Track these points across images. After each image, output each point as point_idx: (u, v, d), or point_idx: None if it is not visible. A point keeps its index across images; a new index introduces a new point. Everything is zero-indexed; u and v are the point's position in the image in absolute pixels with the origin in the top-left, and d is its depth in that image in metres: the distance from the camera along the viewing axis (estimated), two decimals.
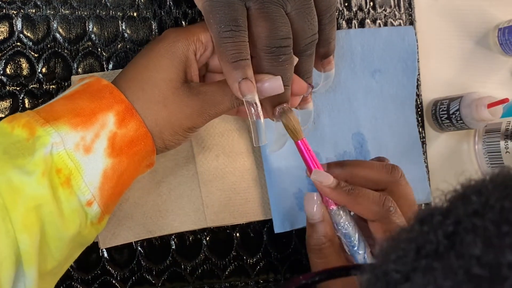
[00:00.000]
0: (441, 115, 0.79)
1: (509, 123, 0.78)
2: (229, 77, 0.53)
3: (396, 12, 0.77)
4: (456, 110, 0.77)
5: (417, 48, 0.77)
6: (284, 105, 0.57)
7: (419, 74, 0.78)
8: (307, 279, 0.62)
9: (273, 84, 0.54)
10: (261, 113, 0.53)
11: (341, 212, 0.59)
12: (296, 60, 0.56)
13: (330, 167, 0.61)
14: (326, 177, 0.58)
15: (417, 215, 0.31)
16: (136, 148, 0.53)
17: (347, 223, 0.58)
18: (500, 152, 0.79)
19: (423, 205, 0.76)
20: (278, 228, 0.68)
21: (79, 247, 0.54)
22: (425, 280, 0.27)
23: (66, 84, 0.61)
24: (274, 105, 0.57)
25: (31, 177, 0.47)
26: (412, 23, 0.78)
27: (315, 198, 0.59)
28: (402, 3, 0.77)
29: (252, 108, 0.53)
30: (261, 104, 0.55)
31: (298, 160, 0.60)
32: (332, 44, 0.59)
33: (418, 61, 0.77)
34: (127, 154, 0.52)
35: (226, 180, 0.67)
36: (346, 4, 0.75)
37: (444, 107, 0.78)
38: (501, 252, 0.25)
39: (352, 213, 0.60)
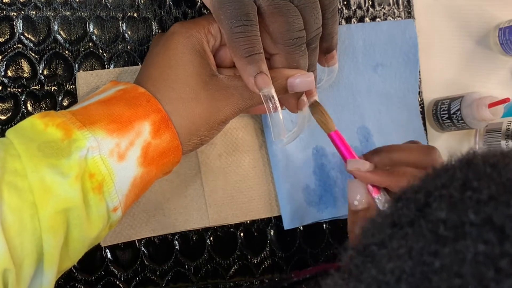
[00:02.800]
0: (442, 115, 0.79)
1: (510, 123, 0.79)
2: (243, 72, 0.52)
3: (395, 10, 0.77)
4: (457, 110, 0.77)
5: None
6: (304, 99, 0.57)
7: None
8: (299, 277, 0.61)
9: (304, 80, 0.54)
10: (279, 106, 0.52)
11: (385, 200, 0.57)
12: None
13: (366, 156, 0.60)
14: (362, 163, 0.57)
15: (394, 196, 0.33)
16: (166, 159, 0.53)
17: None
18: None
19: None
20: (287, 225, 0.68)
21: (89, 248, 0.54)
22: (399, 244, 0.29)
23: (67, 85, 0.61)
24: (298, 96, 0.57)
25: (64, 179, 0.47)
26: None
27: (359, 184, 0.57)
28: (401, 0, 0.78)
29: (270, 102, 0.52)
30: (283, 97, 0.55)
31: (305, 155, 0.59)
32: (334, 39, 0.59)
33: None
34: (156, 165, 0.53)
35: (229, 179, 0.67)
36: (345, 2, 0.75)
37: (445, 107, 0.78)
38: (464, 213, 0.28)
39: None
